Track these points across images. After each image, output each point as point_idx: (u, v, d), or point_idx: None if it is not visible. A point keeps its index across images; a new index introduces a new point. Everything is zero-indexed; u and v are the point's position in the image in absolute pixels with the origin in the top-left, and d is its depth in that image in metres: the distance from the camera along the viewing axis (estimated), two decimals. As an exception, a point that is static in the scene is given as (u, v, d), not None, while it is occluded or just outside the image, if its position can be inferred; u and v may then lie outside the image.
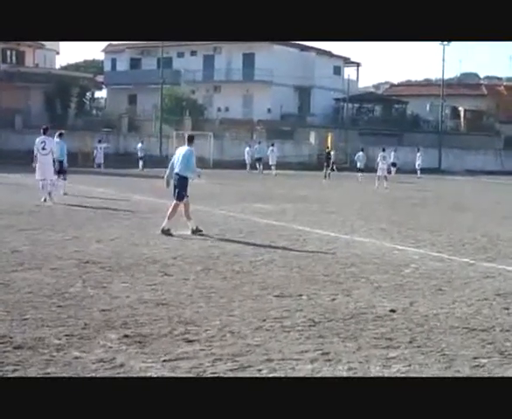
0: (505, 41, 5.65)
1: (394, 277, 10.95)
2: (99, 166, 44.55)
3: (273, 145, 49.68)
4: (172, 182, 15.40)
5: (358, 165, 44.02)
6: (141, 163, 47.51)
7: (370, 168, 42.14)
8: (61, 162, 24.60)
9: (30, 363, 6.10)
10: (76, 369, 5.99)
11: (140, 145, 49.03)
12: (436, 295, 9.72)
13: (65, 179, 25.09)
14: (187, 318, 7.87)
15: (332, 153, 47.11)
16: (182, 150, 15.47)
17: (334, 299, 9.18)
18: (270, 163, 47.62)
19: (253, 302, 8.83)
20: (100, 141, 46.96)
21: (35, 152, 22.00)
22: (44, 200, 21.31)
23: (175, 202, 15.16)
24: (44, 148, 21.80)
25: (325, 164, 45.35)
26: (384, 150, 40.44)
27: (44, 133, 22.21)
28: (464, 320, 8.28)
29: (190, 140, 15.72)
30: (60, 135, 25.03)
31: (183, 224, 15.08)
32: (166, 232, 14.70)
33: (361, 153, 44.29)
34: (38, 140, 22.11)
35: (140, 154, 48.26)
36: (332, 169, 45.39)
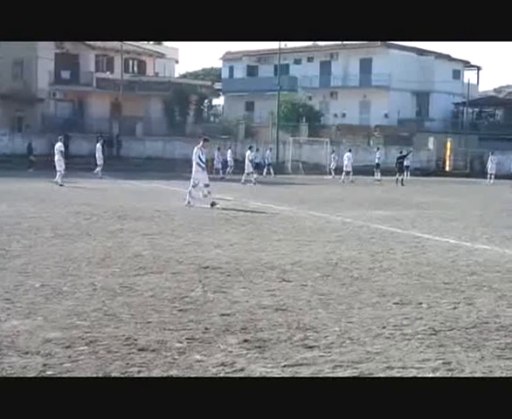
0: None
1: (518, 286, 10.61)
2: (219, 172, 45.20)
3: (350, 151, 49.26)
4: None
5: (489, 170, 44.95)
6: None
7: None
8: None
9: (154, 365, 6.23)
10: (197, 372, 6.09)
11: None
12: None
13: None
14: (306, 324, 7.86)
15: (409, 156, 46.67)
16: None
17: (455, 308, 8.98)
18: (344, 169, 47.33)
19: (372, 309, 8.74)
20: (219, 149, 47.41)
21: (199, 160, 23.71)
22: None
23: None
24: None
25: (396, 168, 44.06)
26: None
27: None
28: None
29: None
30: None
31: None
32: None
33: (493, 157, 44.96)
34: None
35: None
36: (405, 175, 44.64)
